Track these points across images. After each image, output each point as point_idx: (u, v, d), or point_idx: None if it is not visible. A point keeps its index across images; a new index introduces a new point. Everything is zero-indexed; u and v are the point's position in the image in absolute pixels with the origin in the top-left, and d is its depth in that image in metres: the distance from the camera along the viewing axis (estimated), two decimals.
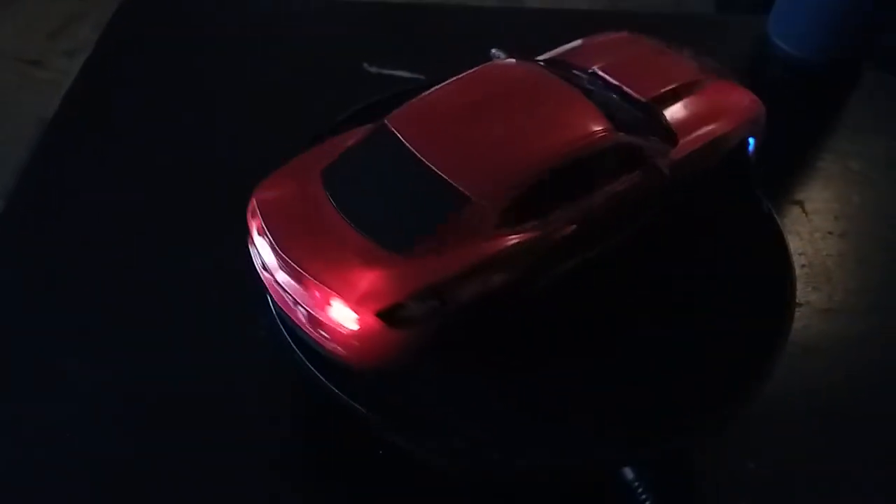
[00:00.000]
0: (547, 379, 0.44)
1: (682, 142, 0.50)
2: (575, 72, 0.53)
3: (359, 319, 0.41)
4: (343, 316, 0.41)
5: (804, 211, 0.64)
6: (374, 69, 0.72)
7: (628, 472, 0.43)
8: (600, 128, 0.46)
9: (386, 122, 0.47)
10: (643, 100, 0.51)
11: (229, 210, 0.57)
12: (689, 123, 0.51)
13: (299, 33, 0.78)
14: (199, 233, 0.58)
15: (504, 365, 0.44)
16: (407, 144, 0.45)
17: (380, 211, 0.44)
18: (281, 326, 0.45)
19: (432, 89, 0.49)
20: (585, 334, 0.46)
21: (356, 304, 0.41)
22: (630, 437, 0.42)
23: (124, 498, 0.45)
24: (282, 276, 0.43)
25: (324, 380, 0.43)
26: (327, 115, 0.56)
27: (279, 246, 0.43)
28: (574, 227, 0.46)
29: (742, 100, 0.55)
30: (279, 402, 0.48)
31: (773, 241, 0.51)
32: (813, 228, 0.62)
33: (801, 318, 0.55)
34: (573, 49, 0.57)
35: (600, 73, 0.54)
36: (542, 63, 0.53)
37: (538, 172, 0.44)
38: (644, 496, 0.42)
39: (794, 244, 0.60)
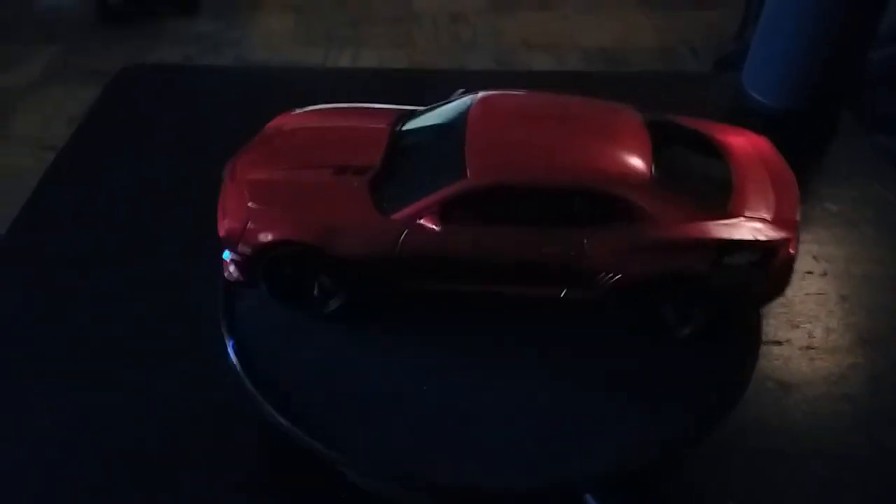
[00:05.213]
0: (511, 408, 0.44)
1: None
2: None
3: None
4: None
5: None
6: None
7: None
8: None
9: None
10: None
11: (200, 257, 0.59)
12: None
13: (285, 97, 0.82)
14: (167, 277, 0.59)
15: (467, 396, 0.45)
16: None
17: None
18: (240, 370, 0.45)
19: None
20: (547, 360, 0.46)
21: None
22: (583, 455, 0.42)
23: None
24: None
25: (286, 422, 0.44)
26: None
27: None
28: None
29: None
30: (243, 443, 0.48)
31: None
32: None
33: (780, 356, 0.55)
34: None
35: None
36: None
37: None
38: None
39: None
